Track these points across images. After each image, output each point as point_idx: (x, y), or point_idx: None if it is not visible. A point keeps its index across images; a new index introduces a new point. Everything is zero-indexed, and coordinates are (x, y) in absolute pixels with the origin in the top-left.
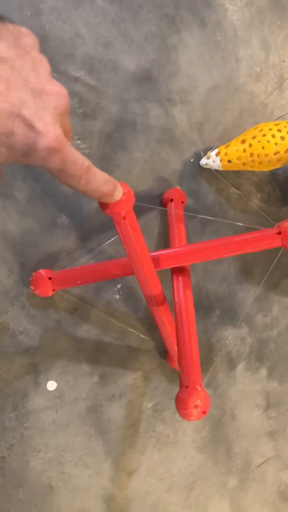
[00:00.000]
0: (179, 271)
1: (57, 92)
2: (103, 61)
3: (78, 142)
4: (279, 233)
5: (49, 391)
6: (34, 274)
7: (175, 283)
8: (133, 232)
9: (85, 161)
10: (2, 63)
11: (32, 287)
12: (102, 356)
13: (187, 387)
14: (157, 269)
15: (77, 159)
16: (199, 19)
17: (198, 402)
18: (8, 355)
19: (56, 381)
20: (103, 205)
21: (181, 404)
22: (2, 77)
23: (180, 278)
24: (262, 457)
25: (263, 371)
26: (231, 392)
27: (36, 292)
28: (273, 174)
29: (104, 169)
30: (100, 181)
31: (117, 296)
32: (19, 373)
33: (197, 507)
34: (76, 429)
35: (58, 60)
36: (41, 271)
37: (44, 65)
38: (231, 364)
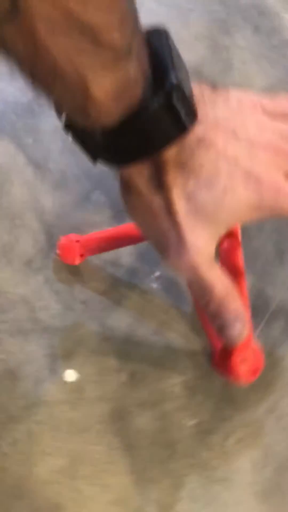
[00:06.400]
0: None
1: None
2: None
3: None
4: None
5: (67, 382)
6: (61, 238)
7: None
8: None
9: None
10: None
11: (58, 251)
12: (134, 351)
13: None
14: None
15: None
16: (253, 25)
17: (246, 355)
18: (24, 331)
19: (77, 371)
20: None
21: (222, 358)
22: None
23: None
24: None
25: None
26: None
27: (62, 257)
28: None
29: None
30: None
31: (155, 285)
32: (34, 355)
33: None
34: (97, 436)
35: None
36: (70, 235)
37: None
38: None
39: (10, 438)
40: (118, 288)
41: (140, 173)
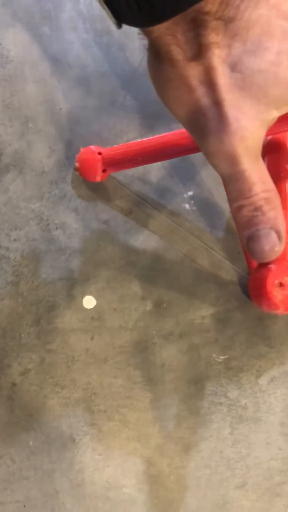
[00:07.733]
0: None
1: None
2: None
3: None
4: None
5: (85, 308)
6: (82, 149)
7: None
8: None
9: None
10: None
11: (77, 165)
12: (160, 278)
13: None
14: None
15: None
16: None
17: (284, 280)
18: (37, 252)
19: (95, 298)
20: None
21: (256, 285)
22: None
23: None
24: None
25: None
26: None
27: (82, 172)
28: None
29: None
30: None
31: (187, 206)
32: (48, 278)
33: None
34: (116, 368)
35: None
36: (91, 146)
37: None
38: None
39: (20, 368)
40: (145, 207)
41: (175, 34)
